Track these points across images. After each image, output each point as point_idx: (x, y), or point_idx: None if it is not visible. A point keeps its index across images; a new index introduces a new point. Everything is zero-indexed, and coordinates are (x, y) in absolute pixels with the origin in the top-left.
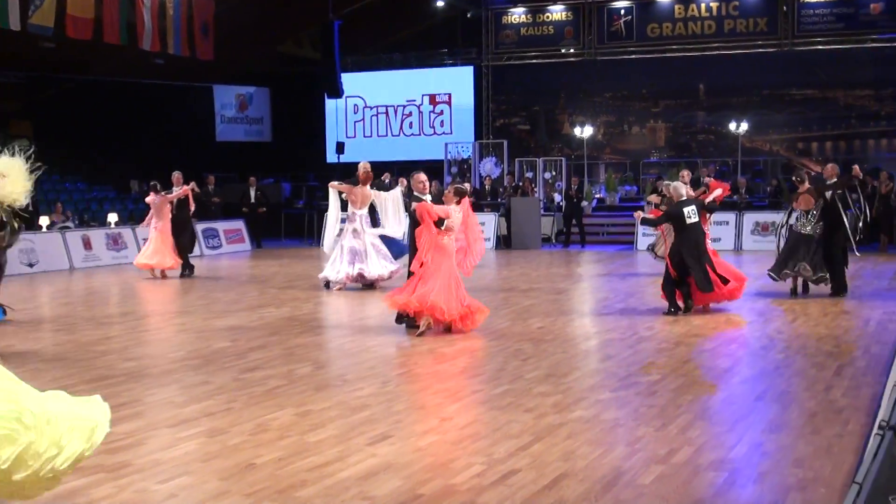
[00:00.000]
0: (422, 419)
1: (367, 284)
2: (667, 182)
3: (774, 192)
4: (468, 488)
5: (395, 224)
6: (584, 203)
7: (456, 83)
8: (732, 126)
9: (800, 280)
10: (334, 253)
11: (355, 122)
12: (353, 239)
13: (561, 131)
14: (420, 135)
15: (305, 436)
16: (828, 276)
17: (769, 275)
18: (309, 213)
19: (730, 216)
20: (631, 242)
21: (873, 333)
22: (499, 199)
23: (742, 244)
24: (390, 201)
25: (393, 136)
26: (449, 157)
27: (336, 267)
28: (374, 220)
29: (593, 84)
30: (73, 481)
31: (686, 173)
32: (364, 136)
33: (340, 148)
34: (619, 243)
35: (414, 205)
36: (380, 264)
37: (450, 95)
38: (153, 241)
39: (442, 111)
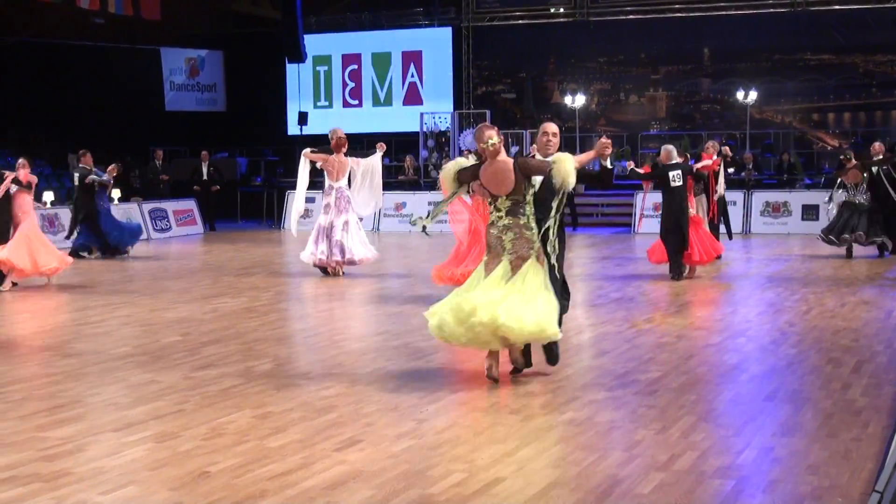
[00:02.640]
0: (395, 422)
1: (348, 263)
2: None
3: (787, 168)
4: (447, 499)
5: (367, 197)
6: None
7: (432, 46)
8: (740, 95)
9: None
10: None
11: (320, 89)
12: (325, 215)
13: (550, 100)
14: (392, 104)
15: (265, 440)
16: (882, 239)
17: (823, 238)
18: (268, 191)
19: (737, 195)
20: (628, 225)
21: None
22: None
23: (751, 226)
24: (365, 170)
25: (362, 105)
26: (425, 128)
27: (309, 248)
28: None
29: (586, 48)
30: (5, 492)
31: (712, 144)
32: (330, 106)
33: (303, 119)
34: (615, 225)
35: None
36: (359, 244)
37: (425, 60)
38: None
39: (417, 78)
